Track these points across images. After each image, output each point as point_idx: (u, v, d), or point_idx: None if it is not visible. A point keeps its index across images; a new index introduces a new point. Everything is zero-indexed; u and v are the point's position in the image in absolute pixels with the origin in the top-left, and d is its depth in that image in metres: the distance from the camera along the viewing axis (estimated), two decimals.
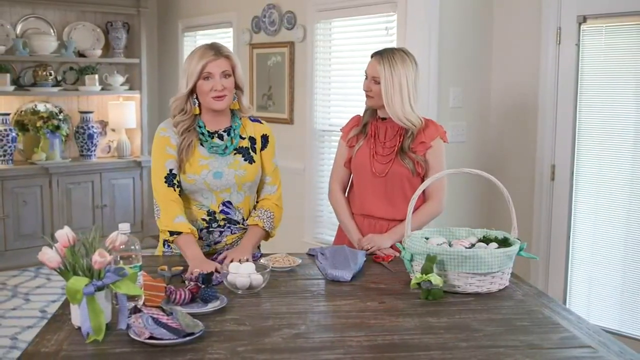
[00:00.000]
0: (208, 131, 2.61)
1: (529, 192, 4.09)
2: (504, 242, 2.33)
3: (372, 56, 2.79)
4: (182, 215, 2.54)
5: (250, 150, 2.67)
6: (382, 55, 2.72)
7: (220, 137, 2.63)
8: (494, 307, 2.07)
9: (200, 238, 2.62)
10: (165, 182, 2.55)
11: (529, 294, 2.23)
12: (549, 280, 4.02)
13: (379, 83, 2.71)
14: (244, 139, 2.67)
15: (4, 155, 5.76)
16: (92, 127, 6.26)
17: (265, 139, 2.72)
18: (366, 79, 2.79)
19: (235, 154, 2.63)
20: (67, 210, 6.05)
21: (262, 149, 2.71)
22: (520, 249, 2.29)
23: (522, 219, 4.09)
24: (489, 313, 2.02)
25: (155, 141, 2.62)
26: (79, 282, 1.79)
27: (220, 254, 2.57)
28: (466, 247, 2.30)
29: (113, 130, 6.57)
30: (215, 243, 2.67)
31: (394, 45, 4.41)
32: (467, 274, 2.18)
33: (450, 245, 2.36)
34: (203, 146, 2.60)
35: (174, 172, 2.56)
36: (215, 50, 2.55)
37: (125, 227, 2.03)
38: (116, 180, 6.33)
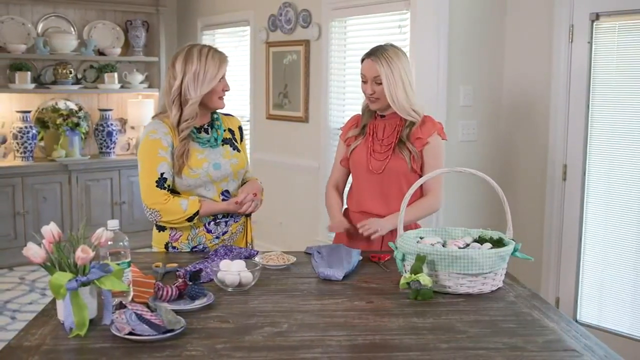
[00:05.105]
0: (195, 127, 2.67)
1: (540, 192, 4.03)
2: (499, 243, 2.30)
3: (364, 58, 2.75)
4: (183, 199, 2.60)
5: (234, 141, 2.77)
6: (376, 54, 2.70)
7: (206, 131, 2.71)
8: (482, 309, 2.04)
9: (209, 232, 2.69)
10: (157, 185, 2.57)
11: (521, 295, 2.19)
12: (559, 281, 3.96)
13: (380, 83, 2.69)
14: (224, 130, 2.76)
15: (25, 152, 5.86)
16: (112, 124, 6.34)
17: (241, 130, 2.87)
18: (365, 82, 2.74)
19: (223, 144, 2.72)
20: (86, 207, 6.13)
21: (241, 140, 2.84)
22: (515, 250, 2.25)
23: (533, 219, 4.05)
24: (476, 314, 1.99)
25: (145, 145, 2.62)
26: (63, 277, 1.81)
27: (220, 248, 2.61)
28: (460, 247, 2.28)
29: (132, 127, 6.64)
30: (223, 233, 2.73)
31: (407, 43, 4.38)
32: (457, 275, 2.15)
33: (444, 245, 2.34)
34: (194, 142, 2.65)
35: (164, 175, 2.58)
36: (223, 53, 2.66)
37: (114, 223, 2.05)
38: (135, 178, 6.37)
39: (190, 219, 2.59)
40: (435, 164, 2.70)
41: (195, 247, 2.70)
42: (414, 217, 2.71)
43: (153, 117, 2.75)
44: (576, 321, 3.83)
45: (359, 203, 2.83)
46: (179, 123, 2.60)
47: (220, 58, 2.61)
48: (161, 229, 2.71)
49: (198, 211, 2.59)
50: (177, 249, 2.70)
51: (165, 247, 2.72)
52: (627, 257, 3.66)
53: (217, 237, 2.71)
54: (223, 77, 2.63)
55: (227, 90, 2.67)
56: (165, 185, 2.58)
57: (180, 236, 2.69)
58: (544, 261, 4.02)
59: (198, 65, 2.56)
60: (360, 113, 2.89)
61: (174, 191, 2.64)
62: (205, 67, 2.56)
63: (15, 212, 5.74)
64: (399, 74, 2.67)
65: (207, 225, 2.69)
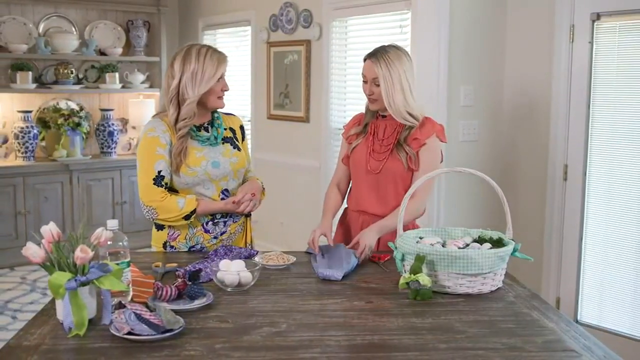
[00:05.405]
0: (195, 126, 2.66)
1: (541, 192, 4.03)
2: (499, 243, 2.29)
3: (365, 59, 2.74)
4: (180, 197, 2.61)
5: (234, 140, 2.77)
6: (376, 55, 2.67)
7: (206, 130, 2.70)
8: (482, 309, 2.04)
9: (207, 231, 2.68)
10: (154, 183, 2.58)
11: (521, 295, 2.19)
12: (560, 282, 3.96)
13: (379, 85, 2.67)
14: (225, 129, 2.76)
15: (26, 152, 5.87)
16: (113, 124, 6.34)
17: (242, 130, 2.87)
18: (365, 82, 2.73)
19: (223, 143, 2.72)
20: (87, 207, 6.13)
21: (242, 139, 2.84)
22: (515, 250, 2.25)
23: (534, 219, 4.04)
24: (475, 314, 1.99)
25: (143, 143, 2.63)
26: (62, 277, 1.82)
27: (220, 248, 2.61)
28: (460, 247, 2.27)
29: (133, 127, 6.64)
30: (222, 234, 2.73)
31: (408, 42, 4.38)
32: (457, 275, 2.15)
33: (444, 245, 2.34)
34: (194, 140, 2.65)
35: (162, 173, 2.59)
36: (223, 53, 2.66)
37: (113, 223, 2.05)
38: (136, 177, 6.37)
39: (187, 217, 2.59)
40: (429, 166, 2.65)
41: (193, 246, 2.70)
42: (395, 223, 2.65)
43: (153, 116, 2.76)
44: (577, 321, 3.83)
45: (357, 202, 2.83)
46: (176, 122, 2.60)
47: (219, 58, 2.60)
48: (160, 227, 2.71)
49: (195, 210, 2.59)
50: (175, 248, 2.71)
51: (164, 246, 2.72)
52: (628, 257, 3.66)
53: (215, 237, 2.71)
54: (222, 77, 2.62)
55: (226, 90, 2.66)
56: (163, 183, 2.58)
57: (178, 235, 2.70)
58: (545, 261, 4.01)
59: (196, 64, 2.55)
60: (364, 111, 2.88)
61: (172, 189, 2.64)
62: (203, 66, 2.55)
63: (17, 212, 5.75)
64: (398, 77, 2.64)
65: (205, 225, 2.69)
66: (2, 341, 3.98)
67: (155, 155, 2.58)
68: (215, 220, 2.70)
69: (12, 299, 4.96)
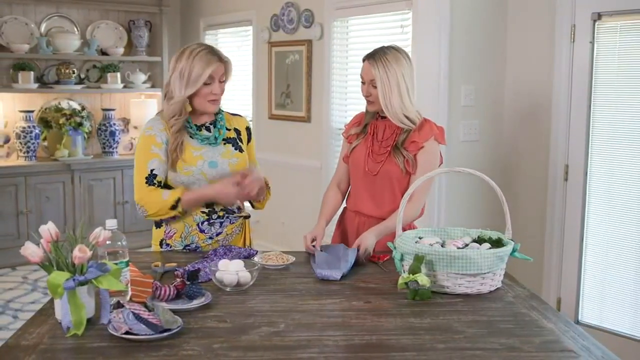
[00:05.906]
0: (195, 125, 2.65)
1: (542, 193, 4.02)
2: (498, 243, 2.29)
3: (364, 60, 2.72)
4: (165, 191, 2.57)
5: (238, 141, 2.73)
6: (374, 57, 2.65)
7: (208, 129, 2.69)
8: (480, 309, 2.04)
9: (202, 231, 2.67)
10: (146, 182, 2.57)
11: (520, 296, 2.18)
12: (561, 282, 3.95)
13: (376, 87, 2.66)
14: (229, 130, 2.74)
15: (28, 152, 5.88)
16: (114, 124, 6.35)
17: (249, 131, 2.83)
18: (363, 83, 2.72)
19: (224, 143, 2.69)
20: (88, 207, 6.14)
21: (248, 141, 2.80)
22: (514, 250, 2.25)
23: (535, 219, 4.04)
24: (474, 314, 1.99)
25: (141, 140, 2.63)
26: (60, 276, 1.82)
27: (219, 248, 2.61)
28: (459, 247, 2.27)
29: (135, 127, 6.64)
30: (217, 234, 2.71)
31: (409, 42, 4.38)
32: (456, 275, 2.15)
33: (443, 245, 2.33)
34: (193, 139, 2.64)
35: (154, 172, 2.57)
36: (217, 55, 2.58)
37: (112, 223, 2.05)
38: None
39: (173, 207, 2.54)
40: (427, 170, 2.60)
41: (187, 245, 2.68)
42: (394, 225, 2.64)
43: (157, 114, 2.75)
44: (578, 322, 3.83)
45: (355, 203, 2.83)
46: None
47: (210, 59, 2.52)
48: (158, 225, 2.72)
49: (180, 198, 2.53)
50: (171, 246, 2.70)
51: (160, 244, 2.72)
52: (628, 257, 3.65)
53: (210, 238, 2.69)
54: (214, 79, 2.55)
55: (216, 94, 2.58)
56: (155, 182, 2.57)
57: (174, 234, 2.69)
58: (546, 261, 4.01)
59: (185, 64, 2.51)
60: (365, 111, 2.88)
61: (168, 188, 2.63)
62: (190, 66, 2.50)
63: (19, 212, 5.76)
64: (396, 79, 2.61)
65: (200, 224, 2.67)
66: (3, 340, 3.99)
67: (149, 154, 2.58)
68: (211, 221, 2.68)
69: (14, 298, 4.97)
